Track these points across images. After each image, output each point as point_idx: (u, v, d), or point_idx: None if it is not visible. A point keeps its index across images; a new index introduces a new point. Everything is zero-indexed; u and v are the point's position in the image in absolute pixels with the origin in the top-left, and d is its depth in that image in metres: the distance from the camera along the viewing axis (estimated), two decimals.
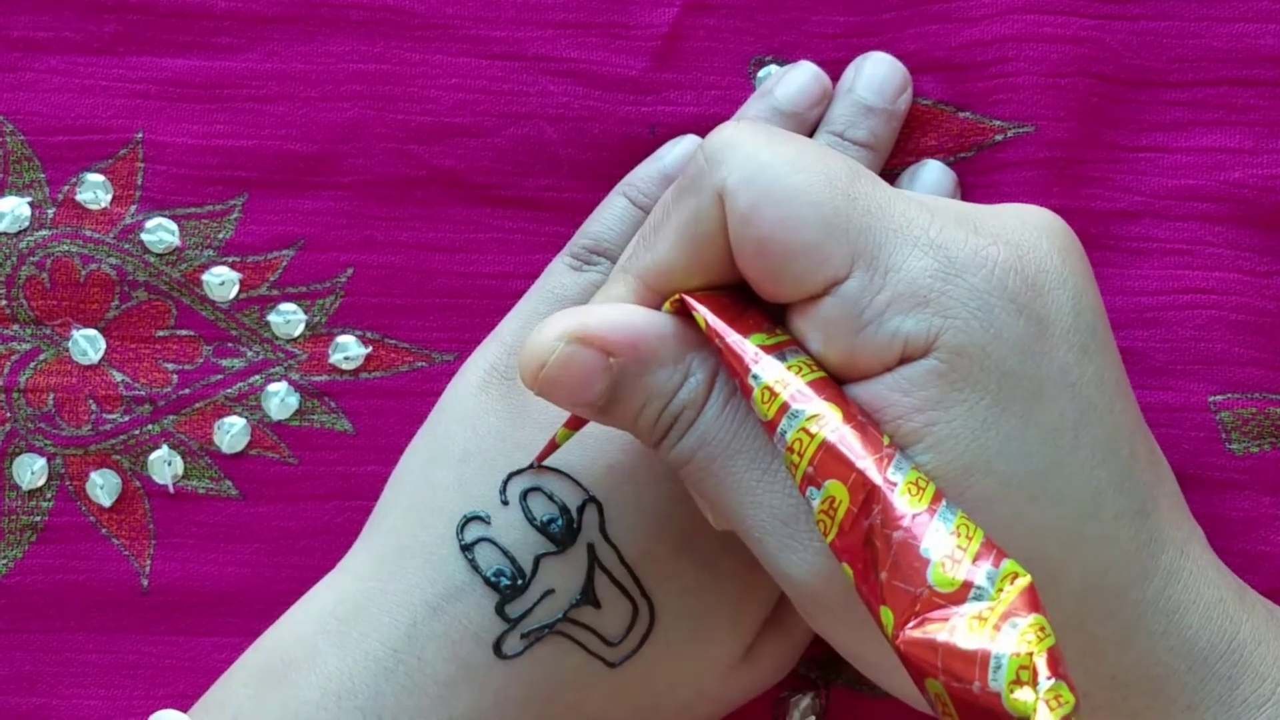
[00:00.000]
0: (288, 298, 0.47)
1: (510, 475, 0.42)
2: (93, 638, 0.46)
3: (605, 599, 0.41)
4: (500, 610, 0.41)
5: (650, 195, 0.45)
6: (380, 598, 0.41)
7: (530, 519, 0.41)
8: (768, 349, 0.35)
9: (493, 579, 0.41)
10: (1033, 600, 0.31)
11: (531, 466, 0.41)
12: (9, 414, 0.46)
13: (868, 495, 0.33)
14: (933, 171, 0.46)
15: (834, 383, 0.35)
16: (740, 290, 0.38)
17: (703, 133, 0.46)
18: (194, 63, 0.47)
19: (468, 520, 0.41)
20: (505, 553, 0.41)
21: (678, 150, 0.46)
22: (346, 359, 0.47)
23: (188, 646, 0.46)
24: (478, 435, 0.42)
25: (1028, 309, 0.35)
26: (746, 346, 0.35)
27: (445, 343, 0.47)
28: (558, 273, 0.45)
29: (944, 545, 0.32)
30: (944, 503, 0.33)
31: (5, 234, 0.47)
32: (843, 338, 0.35)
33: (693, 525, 0.41)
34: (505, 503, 0.41)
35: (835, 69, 0.46)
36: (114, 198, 0.47)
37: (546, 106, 0.47)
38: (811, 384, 0.35)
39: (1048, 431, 0.35)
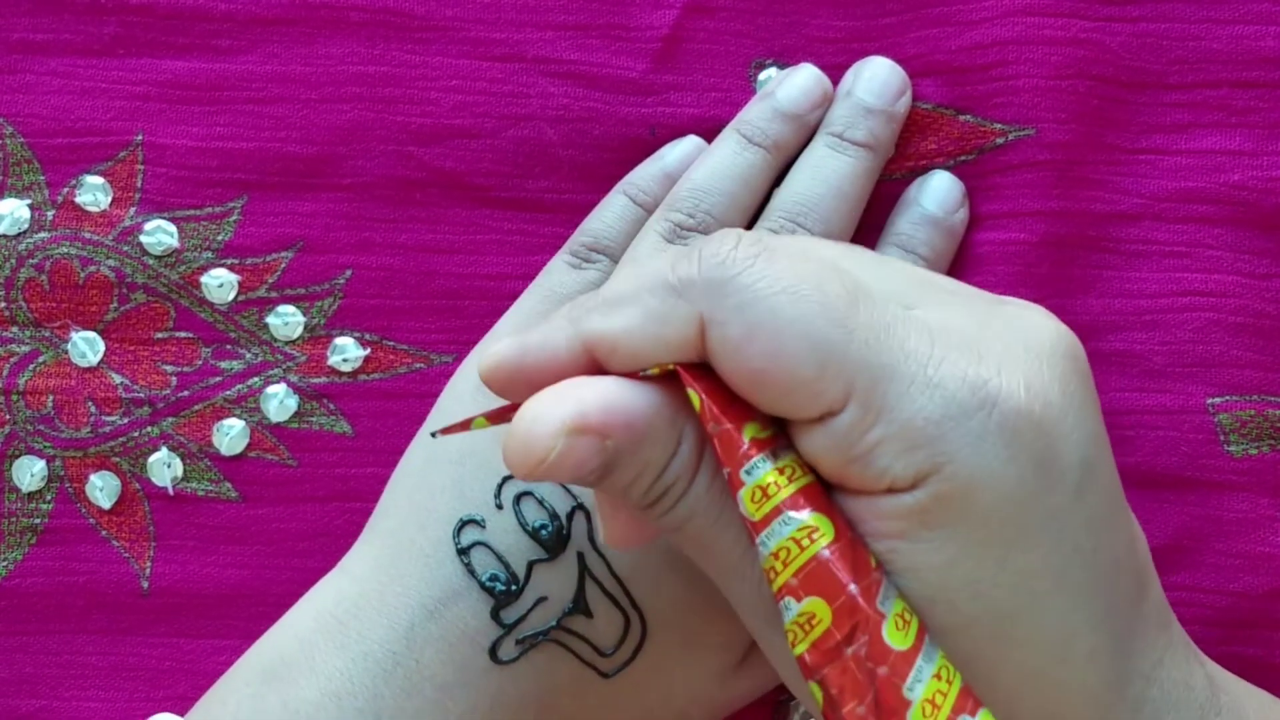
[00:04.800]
0: (286, 299, 0.47)
1: (505, 479, 0.42)
2: (92, 640, 0.46)
3: (597, 609, 0.41)
4: (495, 615, 0.41)
5: (651, 194, 0.45)
6: (379, 599, 0.41)
7: (522, 524, 0.41)
8: (760, 443, 0.33)
9: (488, 583, 0.41)
10: None
11: (433, 435, 0.39)
12: (8, 416, 0.46)
13: (854, 625, 0.32)
14: (942, 182, 0.46)
15: (824, 489, 0.34)
16: None
17: (703, 133, 0.46)
18: (193, 65, 0.47)
19: (464, 523, 0.41)
20: (499, 557, 0.41)
21: (678, 150, 0.46)
22: (345, 361, 0.47)
23: (187, 648, 0.46)
24: (474, 437, 0.42)
25: (1024, 452, 0.33)
26: (740, 439, 0.33)
27: (444, 344, 0.47)
28: (557, 271, 0.45)
29: (926, 688, 0.31)
30: (927, 640, 0.32)
31: (4, 236, 0.46)
32: (832, 465, 0.34)
33: None
34: (500, 507, 0.41)
35: (836, 73, 0.46)
36: (113, 200, 0.47)
37: (547, 108, 0.47)
38: (803, 490, 0.33)
39: (1024, 577, 0.34)
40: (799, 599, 0.32)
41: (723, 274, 0.34)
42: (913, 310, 0.35)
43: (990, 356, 0.34)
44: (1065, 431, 0.34)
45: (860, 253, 0.37)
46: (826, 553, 0.32)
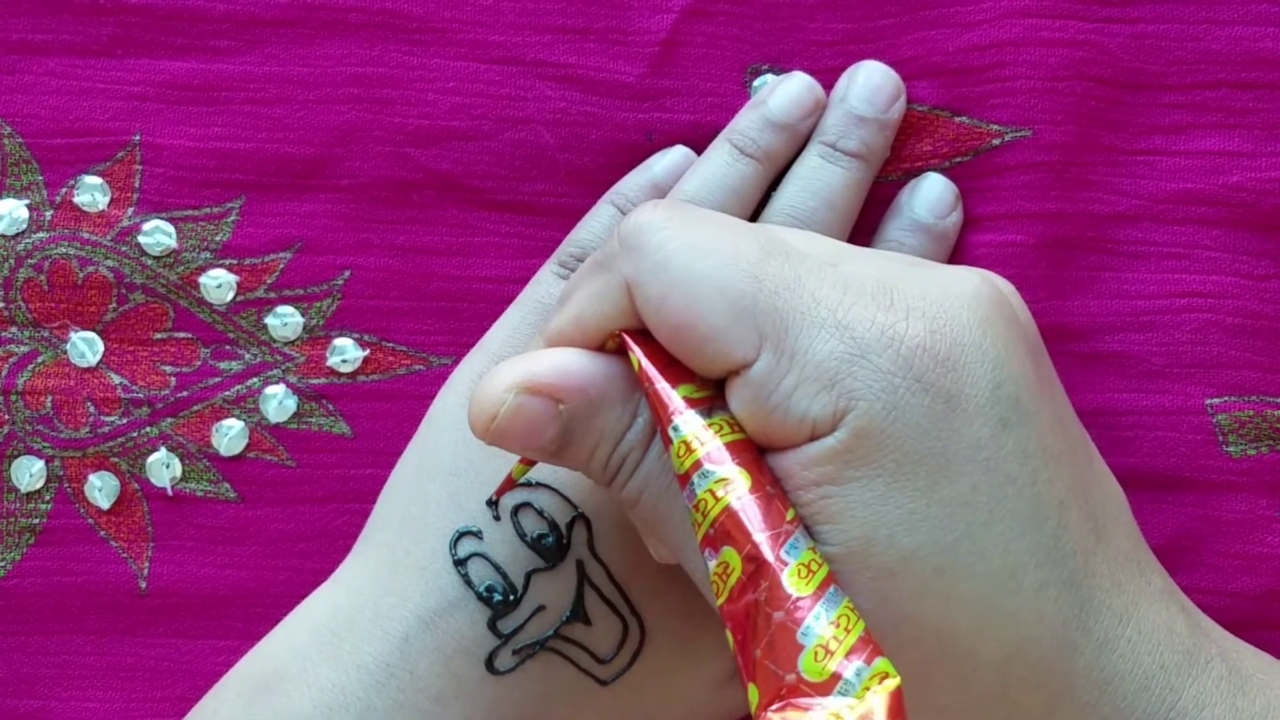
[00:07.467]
0: (285, 300, 0.47)
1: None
2: (90, 640, 0.46)
3: (595, 616, 0.41)
4: (492, 626, 0.41)
5: (639, 203, 0.45)
6: (373, 610, 0.41)
7: (521, 535, 0.41)
8: (694, 402, 0.35)
9: (485, 594, 0.41)
10: (896, 706, 0.31)
11: (491, 502, 0.41)
12: (7, 416, 0.46)
13: (757, 570, 0.33)
14: (934, 185, 0.46)
15: (753, 446, 0.35)
16: None
17: (698, 140, 0.46)
18: (192, 65, 0.47)
19: (460, 535, 0.41)
20: (497, 568, 0.41)
21: (667, 160, 0.46)
22: (344, 362, 0.47)
23: (185, 649, 0.46)
24: (468, 448, 0.42)
25: (934, 386, 0.35)
26: (672, 396, 0.35)
27: (442, 346, 0.47)
28: (545, 281, 0.45)
29: (821, 633, 0.32)
30: (831, 589, 0.33)
31: (3, 236, 0.47)
32: (755, 416, 0.35)
33: None
34: (497, 518, 0.41)
35: (832, 77, 0.46)
36: (111, 200, 0.47)
37: (544, 111, 0.47)
38: (730, 445, 0.34)
39: (954, 506, 0.34)
40: (716, 549, 0.33)
41: (639, 240, 0.36)
42: (834, 266, 0.36)
43: (900, 303, 0.35)
44: (982, 368, 0.35)
45: (802, 229, 0.39)
46: (738, 504, 0.33)
